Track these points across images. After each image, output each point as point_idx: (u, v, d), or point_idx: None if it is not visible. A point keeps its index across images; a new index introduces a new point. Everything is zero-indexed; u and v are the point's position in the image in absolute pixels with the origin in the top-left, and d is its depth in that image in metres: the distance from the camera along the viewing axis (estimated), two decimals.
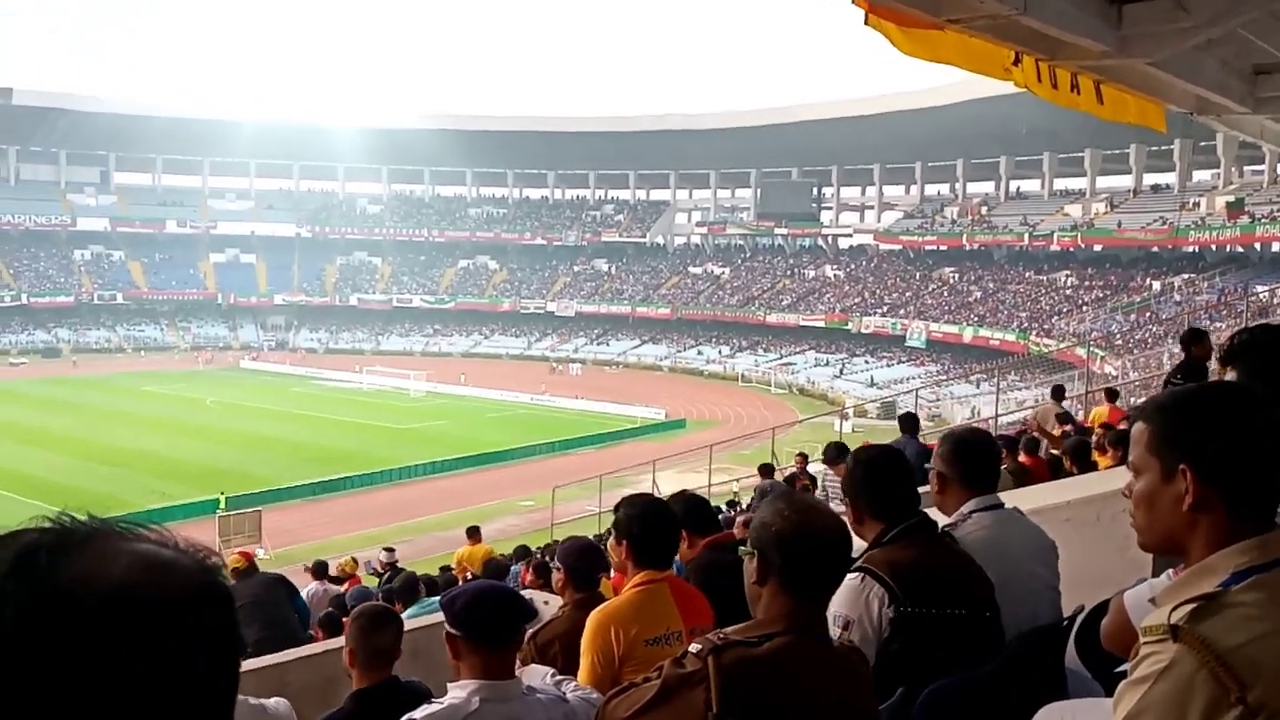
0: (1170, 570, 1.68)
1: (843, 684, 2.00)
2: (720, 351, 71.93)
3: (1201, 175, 62.05)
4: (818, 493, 10.76)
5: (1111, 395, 13.05)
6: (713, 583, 3.40)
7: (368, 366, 64.46)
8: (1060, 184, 69.22)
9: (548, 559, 10.21)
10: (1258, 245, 52.24)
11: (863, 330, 65.44)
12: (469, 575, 11.39)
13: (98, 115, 77.35)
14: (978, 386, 46.79)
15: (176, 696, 0.71)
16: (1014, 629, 2.74)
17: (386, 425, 47.79)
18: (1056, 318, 56.33)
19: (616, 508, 3.37)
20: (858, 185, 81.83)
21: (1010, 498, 3.48)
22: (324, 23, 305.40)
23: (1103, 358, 40.03)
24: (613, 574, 4.63)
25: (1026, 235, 63.34)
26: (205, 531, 26.89)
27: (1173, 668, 1.27)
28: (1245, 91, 7.87)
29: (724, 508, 15.92)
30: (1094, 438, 8.41)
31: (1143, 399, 13.01)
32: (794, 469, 13.77)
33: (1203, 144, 55.56)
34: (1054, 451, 8.66)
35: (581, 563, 3.69)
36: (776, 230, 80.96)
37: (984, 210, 69.66)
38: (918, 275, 70.62)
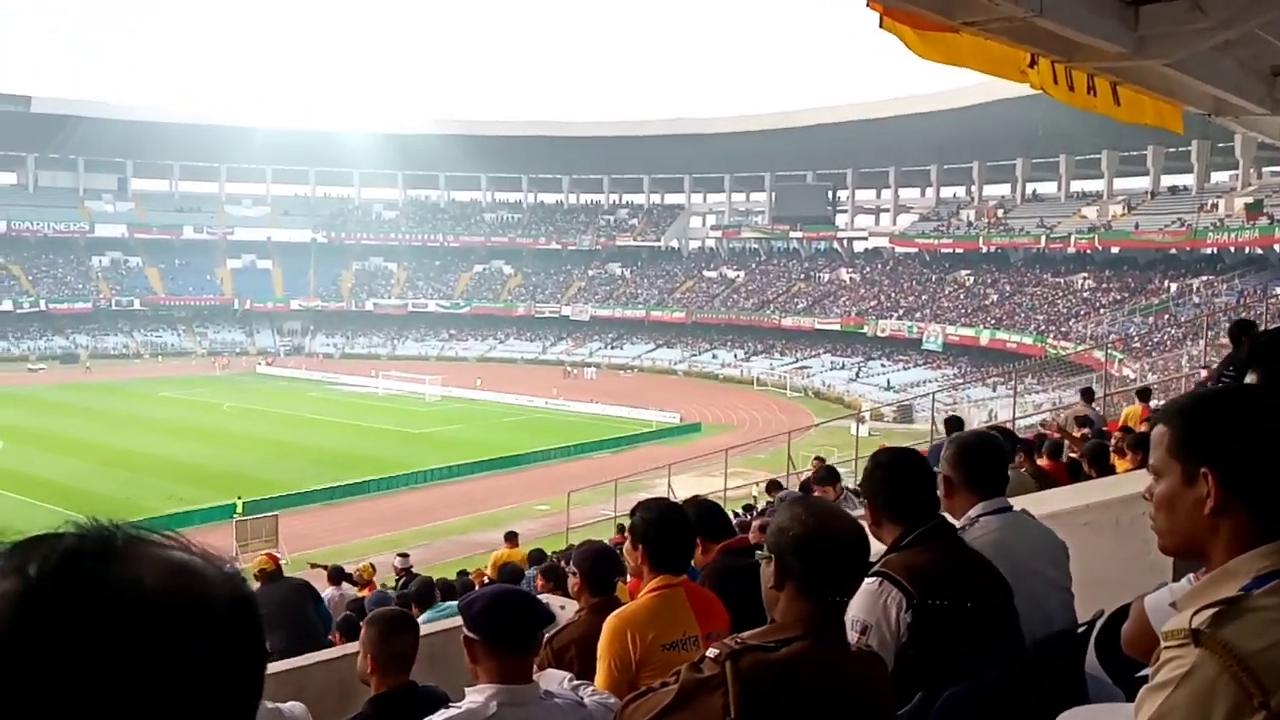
0: (1191, 575, 1.67)
1: (861, 688, 2.00)
2: (735, 355, 71.85)
3: (1220, 177, 61.66)
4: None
5: (1144, 395, 12.90)
6: (727, 587, 3.40)
7: (383, 371, 64.66)
8: (1077, 186, 68.89)
9: (563, 563, 10.21)
10: (1277, 247, 51.84)
11: (878, 333, 65.26)
12: (486, 579, 11.40)
13: (115, 122, 77.97)
14: (994, 390, 46.61)
15: (210, 698, 0.73)
16: (1026, 631, 2.73)
17: (402, 430, 47.92)
18: (1074, 320, 56.05)
19: (633, 512, 3.38)
20: (873, 188, 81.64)
21: (1029, 501, 3.47)
22: (339, 29, 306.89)
23: (1121, 360, 39.84)
24: (629, 578, 4.62)
25: (1043, 238, 63.05)
26: (222, 536, 27.02)
27: (1194, 672, 1.26)
28: (1264, 93, 7.81)
29: (740, 511, 15.89)
30: (1113, 440, 8.36)
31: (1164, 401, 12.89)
32: (810, 473, 13.70)
33: (1221, 145, 55.23)
34: (1072, 455, 8.61)
35: (598, 567, 3.69)
36: (791, 233, 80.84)
37: (1000, 213, 69.39)
38: (934, 278, 70.40)
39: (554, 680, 2.68)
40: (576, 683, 2.77)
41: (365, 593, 11.77)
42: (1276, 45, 7.02)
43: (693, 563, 3.75)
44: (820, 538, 2.01)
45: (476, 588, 10.85)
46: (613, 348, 77.86)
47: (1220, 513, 1.44)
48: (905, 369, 61.78)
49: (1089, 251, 61.58)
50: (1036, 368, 45.65)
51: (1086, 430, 10.81)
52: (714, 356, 72.51)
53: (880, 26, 5.44)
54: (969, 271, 68.66)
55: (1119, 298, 57.20)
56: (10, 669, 0.68)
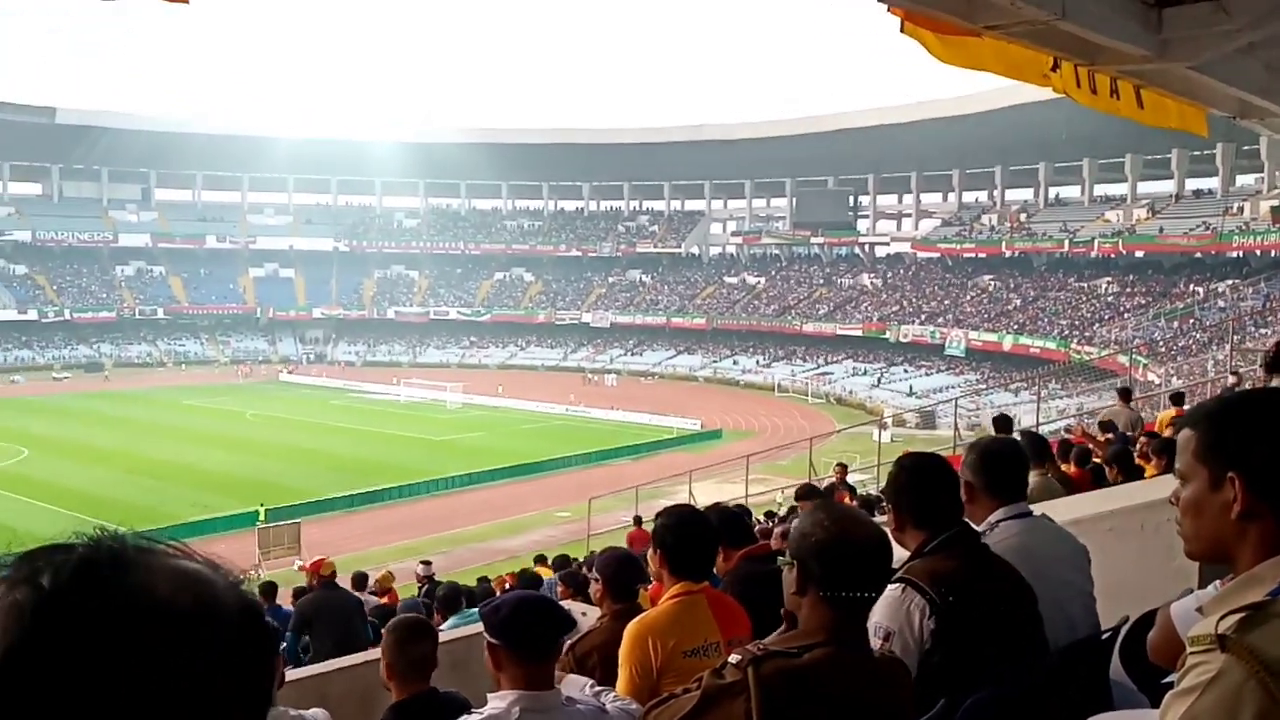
0: (1218, 581, 1.66)
1: (883, 694, 1.99)
2: (756, 361, 71.76)
3: (1245, 180, 61.20)
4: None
5: (1177, 399, 12.82)
6: (749, 594, 3.38)
7: (405, 379, 64.92)
8: (1100, 190, 68.48)
9: (585, 570, 10.23)
10: None
11: (901, 339, 65.02)
12: (507, 586, 11.43)
13: (138, 133, 78.70)
14: (1016, 395, 46.33)
15: (219, 706, 0.74)
16: (1050, 636, 2.71)
17: (424, 437, 48.09)
18: (1098, 325, 55.69)
19: (656, 517, 3.38)
20: (895, 193, 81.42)
21: (1054, 507, 3.44)
22: (361, 39, 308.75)
23: (1145, 365, 39.55)
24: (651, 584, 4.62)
25: (1066, 242, 62.69)
26: (245, 543, 27.21)
27: (1220, 678, 1.25)
28: None
29: (762, 519, 15.86)
30: (1138, 445, 8.30)
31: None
32: (833, 479, 13.68)
33: (1246, 148, 54.79)
34: (1095, 460, 8.54)
35: (620, 573, 3.69)
36: (813, 239, 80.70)
37: (1023, 217, 69.06)
38: (956, 283, 70.10)
39: (576, 686, 2.68)
40: (598, 689, 2.76)
41: (385, 600, 11.81)
42: None
43: (715, 569, 3.74)
44: (842, 543, 2.01)
45: (497, 594, 10.89)
46: (633, 354, 77.90)
47: (1247, 517, 1.43)
48: (928, 374, 61.53)
49: (1113, 255, 61.15)
50: (1060, 373, 45.38)
51: (1110, 435, 10.72)
52: (735, 363, 72.43)
53: (901, 31, 5.43)
54: (991, 276, 68.34)
55: (1143, 302, 56.78)
56: (24, 678, 0.69)
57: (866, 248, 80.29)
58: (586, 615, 4.13)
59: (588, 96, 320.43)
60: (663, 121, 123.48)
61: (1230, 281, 54.10)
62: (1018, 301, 63.89)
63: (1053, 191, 71.11)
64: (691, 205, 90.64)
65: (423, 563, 13.75)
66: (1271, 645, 1.25)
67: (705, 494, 20.42)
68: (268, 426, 50.42)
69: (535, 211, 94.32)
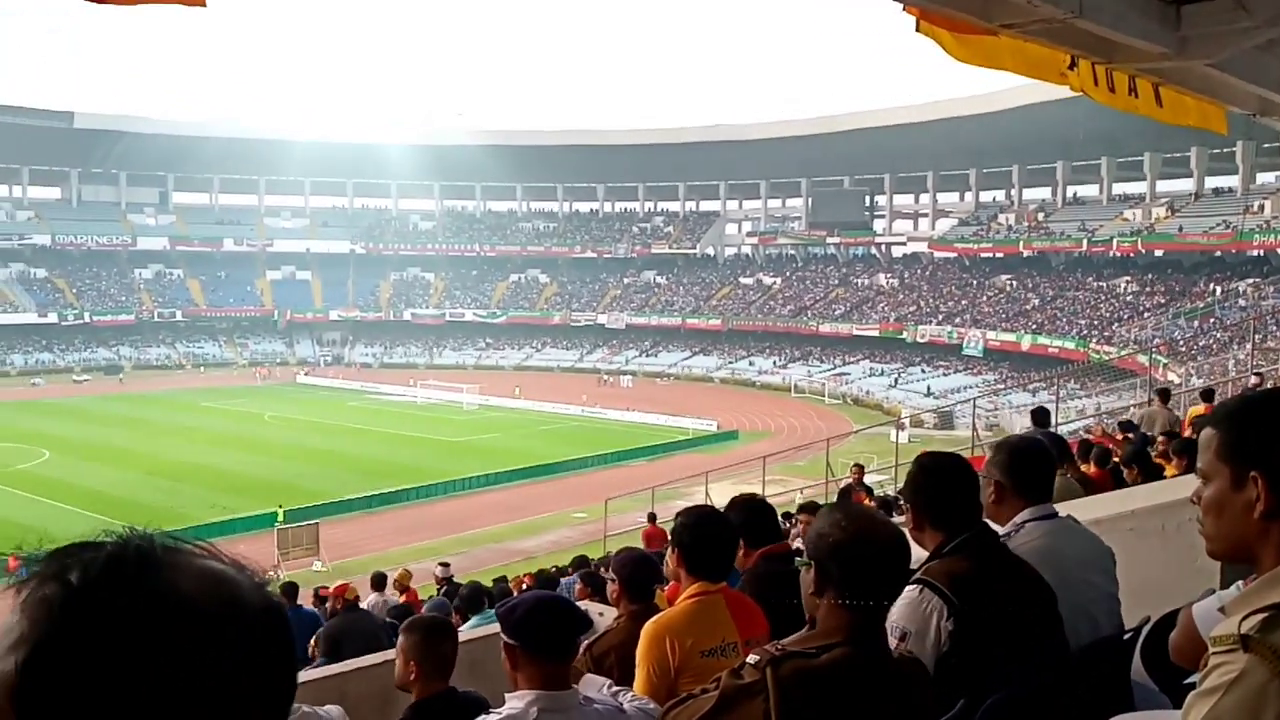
0: (1240, 581, 1.65)
1: (901, 695, 1.98)
2: (773, 362, 71.64)
3: (1265, 178, 60.72)
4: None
5: (1207, 395, 12.74)
6: (766, 594, 3.37)
7: (421, 380, 65.10)
8: (1119, 189, 68.11)
9: (602, 570, 10.23)
10: None
11: (918, 339, 64.81)
12: (525, 586, 11.45)
13: (156, 137, 79.32)
14: (1034, 395, 46.08)
15: (243, 704, 0.75)
16: (1074, 638, 2.69)
17: (440, 438, 48.22)
18: (1117, 325, 55.37)
19: (675, 517, 3.38)
20: (911, 193, 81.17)
21: (1074, 508, 3.42)
22: (376, 42, 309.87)
23: (1165, 365, 39.27)
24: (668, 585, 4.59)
25: (1085, 241, 62.37)
26: (264, 544, 27.32)
27: (1243, 678, 1.24)
28: None
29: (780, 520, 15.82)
30: (1157, 446, 8.25)
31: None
32: (850, 480, 13.65)
33: (1266, 146, 54.31)
34: (1115, 460, 8.49)
35: (636, 574, 3.69)
36: (829, 239, 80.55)
37: (1041, 216, 68.75)
38: (974, 283, 69.84)
39: (594, 686, 2.68)
40: (616, 689, 2.76)
41: (404, 599, 11.85)
42: None
43: (735, 565, 3.72)
44: (860, 544, 2.01)
45: (514, 594, 10.91)
46: (649, 355, 77.91)
47: (1270, 516, 1.42)
48: (945, 375, 61.31)
49: (1132, 255, 60.79)
50: (1079, 372, 45.11)
51: (1129, 435, 10.66)
52: (751, 364, 72.33)
53: (917, 30, 5.41)
54: (1009, 276, 68.05)
55: (1163, 301, 56.43)
56: (51, 672, 0.70)
57: (883, 248, 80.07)
58: (604, 615, 4.13)
59: (602, 98, 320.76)
60: (677, 122, 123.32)
61: (1251, 280, 53.71)
62: (1036, 301, 63.60)
63: (1071, 190, 70.76)
64: (706, 206, 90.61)
65: (441, 564, 13.78)
66: None
67: (722, 495, 20.35)
68: (286, 428, 50.65)
69: (550, 213, 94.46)
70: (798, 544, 4.98)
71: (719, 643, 3.08)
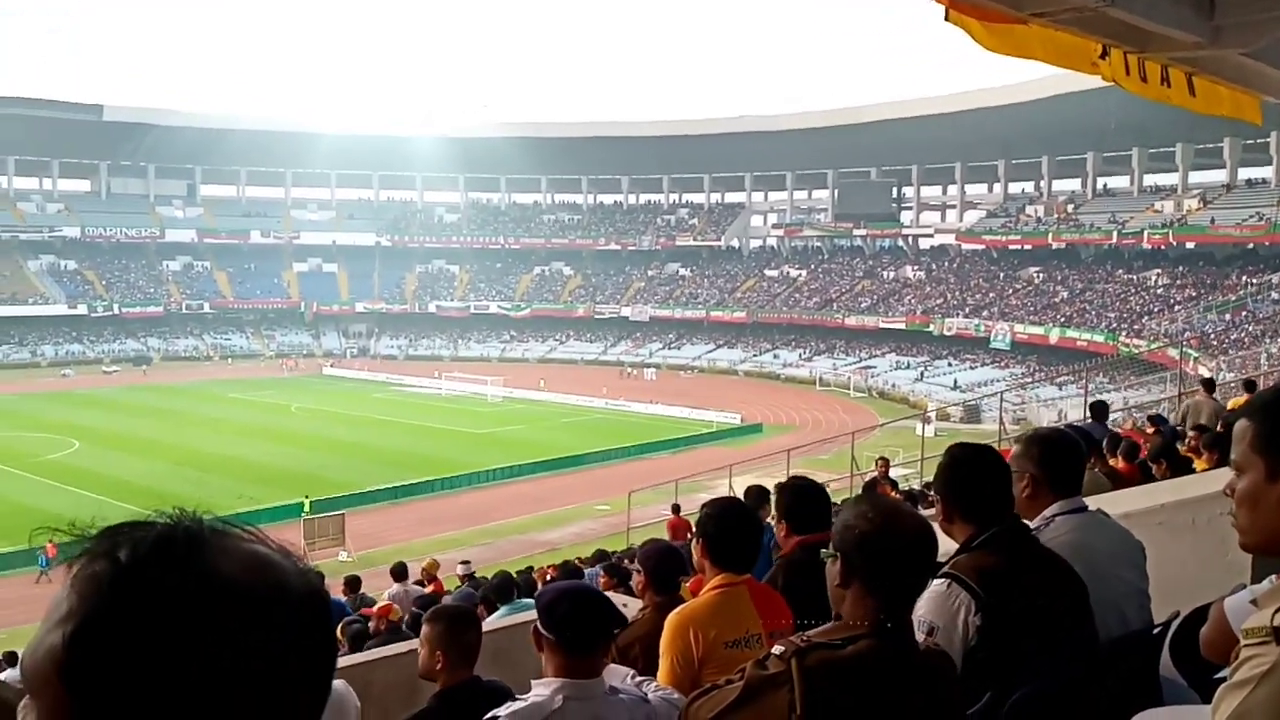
0: (1273, 575, 1.62)
1: (927, 688, 1.97)
2: (798, 355, 71.44)
3: None
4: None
5: (1249, 386, 12.60)
6: (799, 583, 3.34)
7: (446, 373, 65.39)
8: (1150, 180, 67.47)
9: (625, 562, 10.25)
10: None
11: (945, 332, 64.46)
12: (549, 578, 11.48)
13: (184, 130, 79.96)
14: (1061, 389, 45.78)
15: (284, 686, 0.76)
16: (1104, 633, 2.66)
17: (465, 430, 48.42)
18: (1147, 318, 54.86)
19: (701, 508, 3.37)
20: (938, 184, 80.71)
21: (1102, 502, 3.39)
22: (402, 34, 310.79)
23: (1196, 359, 38.89)
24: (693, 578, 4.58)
25: (1115, 233, 61.80)
26: (291, 535, 27.48)
27: (1275, 671, 1.23)
28: None
29: None
30: (1188, 440, 8.17)
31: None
32: (875, 473, 13.60)
33: None
34: (1142, 456, 8.41)
35: (662, 565, 3.69)
36: (855, 231, 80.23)
37: (1070, 208, 68.17)
38: (1001, 275, 69.38)
39: (618, 676, 2.68)
40: (640, 679, 2.76)
41: (431, 589, 11.90)
42: None
43: (778, 552, 3.69)
44: (886, 535, 1.99)
45: (539, 585, 10.94)
46: (673, 348, 77.88)
47: None
48: (972, 368, 60.95)
49: (1163, 247, 60.20)
50: (1108, 366, 44.71)
51: (1159, 429, 10.56)
52: (776, 356, 72.15)
53: (946, 19, 5.35)
54: (1038, 268, 67.55)
55: (1194, 294, 55.83)
56: (98, 647, 0.72)
57: (910, 240, 79.69)
58: (628, 606, 4.13)
59: (627, 90, 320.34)
60: (702, 114, 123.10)
61: None
62: (1065, 294, 63.09)
63: (1101, 182, 70.14)
64: (731, 198, 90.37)
65: (462, 563, 13.83)
66: None
67: (745, 488, 20.34)
68: (312, 419, 51.01)
69: (574, 205, 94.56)
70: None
71: (743, 634, 3.08)
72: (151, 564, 0.74)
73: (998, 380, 54.49)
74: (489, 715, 2.43)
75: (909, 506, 2.52)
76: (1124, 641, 2.60)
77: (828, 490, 4.29)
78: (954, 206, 79.45)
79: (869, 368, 65.08)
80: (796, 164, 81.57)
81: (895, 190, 79.78)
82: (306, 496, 32.58)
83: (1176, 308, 55.01)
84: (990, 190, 78.29)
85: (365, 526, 31.00)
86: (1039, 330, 59.01)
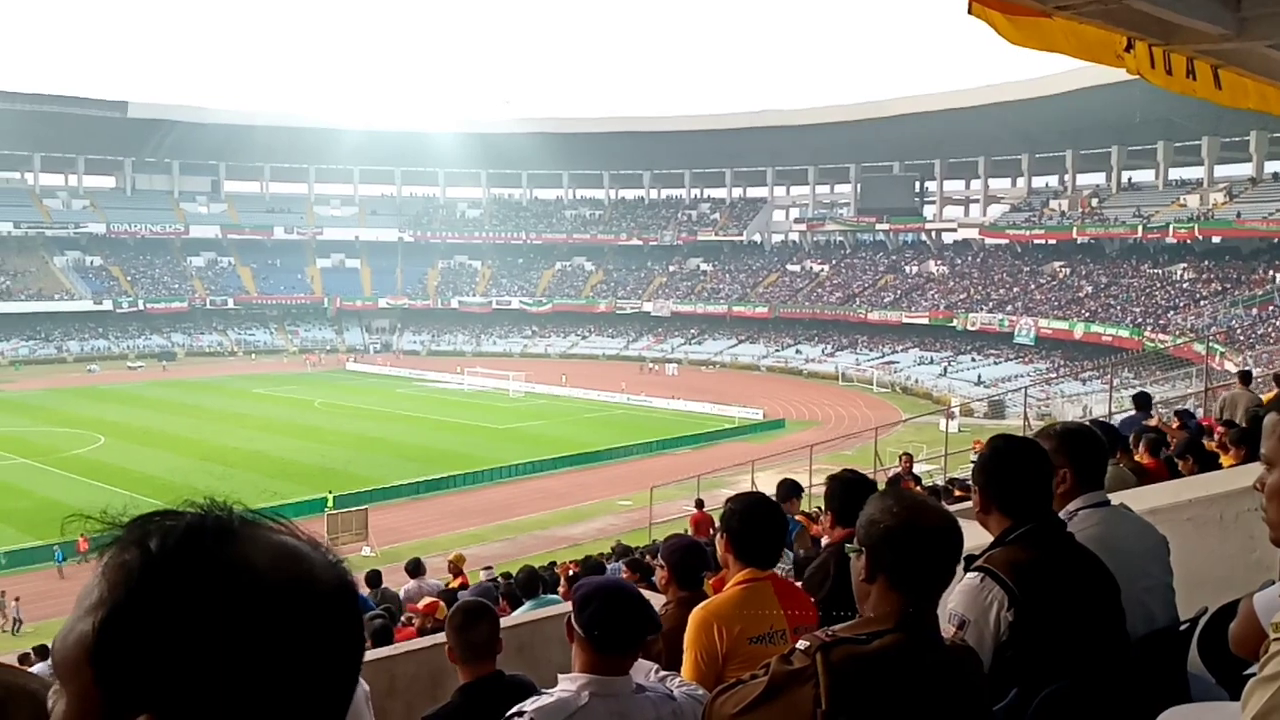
0: None
1: (953, 684, 1.96)
2: (820, 350, 71.21)
3: None
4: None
5: None
6: (846, 574, 3.31)
7: (468, 368, 65.54)
8: (1176, 174, 66.84)
9: (647, 558, 10.26)
10: None
11: (968, 327, 64.10)
12: (570, 573, 11.49)
13: (208, 126, 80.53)
14: (1085, 385, 45.45)
15: (311, 679, 0.77)
16: (1130, 628, 2.64)
17: (487, 425, 48.54)
18: (1172, 313, 54.40)
19: (726, 503, 3.37)
20: (962, 178, 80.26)
21: (1128, 498, 3.37)
22: (423, 30, 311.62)
23: (1223, 354, 38.53)
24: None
25: (1140, 227, 61.27)
26: (314, 529, 27.22)
27: None
28: None
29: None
30: (1215, 436, 8.09)
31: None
32: (899, 469, 13.55)
33: None
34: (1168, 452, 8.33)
35: (685, 560, 3.69)
36: (878, 226, 79.86)
37: (1095, 202, 67.64)
38: (1026, 270, 68.93)
39: (642, 671, 2.68)
40: (664, 673, 2.76)
41: (456, 583, 11.94)
42: None
43: (825, 540, 3.66)
44: (911, 530, 1.99)
45: (561, 581, 10.96)
46: (694, 344, 77.80)
47: None
48: (996, 363, 60.59)
49: (1188, 241, 59.64)
50: (1133, 361, 44.36)
51: (1185, 424, 10.46)
52: (798, 352, 71.95)
53: (969, 12, 5.32)
54: (1062, 263, 67.08)
55: (1220, 289, 55.31)
56: (126, 635, 0.73)
57: (933, 234, 79.28)
58: (651, 602, 4.13)
59: (648, 84, 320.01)
60: (724, 108, 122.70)
61: None
62: (1089, 289, 62.63)
63: (1126, 176, 69.53)
64: (753, 192, 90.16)
65: (485, 569, 13.87)
66: None
67: (767, 484, 20.33)
68: (335, 415, 51.27)
69: (596, 200, 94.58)
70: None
71: (767, 630, 3.07)
72: (181, 554, 0.75)
73: (1022, 376, 54.14)
74: (513, 710, 2.43)
75: (934, 501, 2.51)
76: (1152, 638, 2.58)
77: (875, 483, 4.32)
78: (977, 201, 79.01)
79: (892, 363, 64.82)
80: (819, 158, 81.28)
81: (918, 184, 79.36)
82: (330, 491, 32.76)
83: (1202, 302, 54.52)
84: (1014, 184, 77.79)
85: (388, 521, 31.15)
86: (1063, 325, 58.62)
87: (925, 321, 67.18)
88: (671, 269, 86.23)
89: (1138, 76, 6.49)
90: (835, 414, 50.84)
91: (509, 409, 53.93)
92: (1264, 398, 11.33)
